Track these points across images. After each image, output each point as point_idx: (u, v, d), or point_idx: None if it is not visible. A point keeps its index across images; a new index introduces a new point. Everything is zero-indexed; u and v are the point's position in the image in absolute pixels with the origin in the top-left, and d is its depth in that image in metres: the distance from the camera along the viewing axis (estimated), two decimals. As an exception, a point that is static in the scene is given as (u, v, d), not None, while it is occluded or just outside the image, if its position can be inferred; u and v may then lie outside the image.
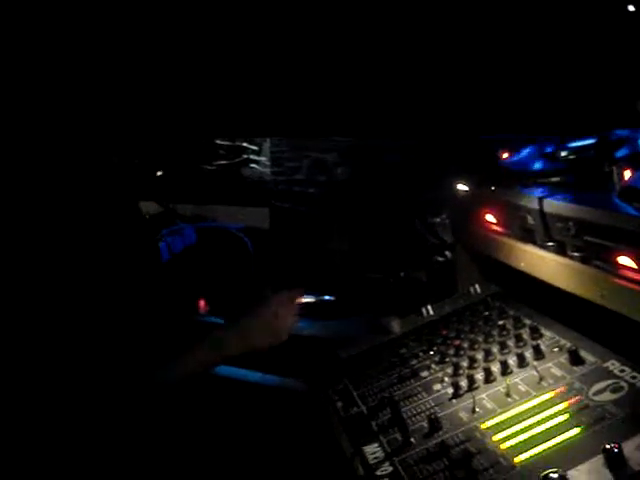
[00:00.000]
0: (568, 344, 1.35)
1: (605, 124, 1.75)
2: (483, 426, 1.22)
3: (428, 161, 2.10)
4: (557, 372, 1.29)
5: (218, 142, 2.71)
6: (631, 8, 2.14)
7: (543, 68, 2.26)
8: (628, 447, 1.01)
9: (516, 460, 1.10)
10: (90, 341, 1.23)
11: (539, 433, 1.14)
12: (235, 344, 1.39)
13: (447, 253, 2.00)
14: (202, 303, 2.31)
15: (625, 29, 2.11)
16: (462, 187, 1.69)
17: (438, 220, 2.02)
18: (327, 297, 2.15)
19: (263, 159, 2.67)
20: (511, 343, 1.45)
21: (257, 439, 1.81)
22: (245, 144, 2.67)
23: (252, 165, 2.68)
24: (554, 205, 1.38)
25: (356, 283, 2.22)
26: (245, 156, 2.69)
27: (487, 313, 1.61)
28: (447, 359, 1.49)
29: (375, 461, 1.24)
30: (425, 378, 1.46)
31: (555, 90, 2.20)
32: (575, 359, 1.30)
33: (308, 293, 2.12)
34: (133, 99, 1.71)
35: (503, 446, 1.14)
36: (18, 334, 1.20)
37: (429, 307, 1.78)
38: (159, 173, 2.72)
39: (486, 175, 1.65)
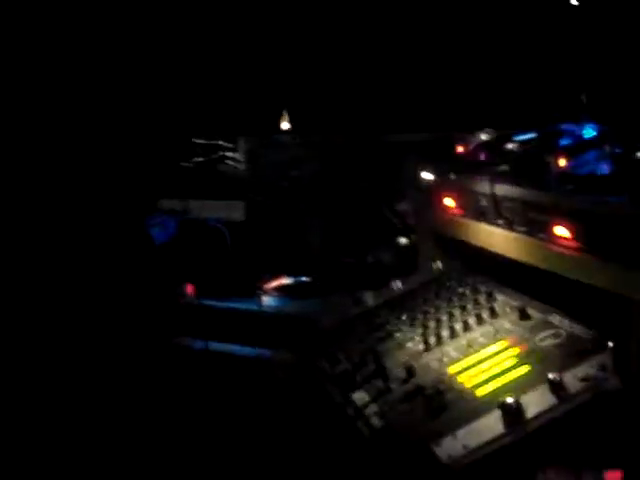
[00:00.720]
0: (517, 304, 1.62)
1: (547, 119, 2.03)
2: (450, 370, 1.48)
3: (391, 154, 2.37)
4: (509, 326, 1.56)
5: (195, 141, 2.91)
6: (574, 2, 2.41)
7: (488, 67, 2.54)
8: (566, 377, 1.28)
9: (478, 393, 1.36)
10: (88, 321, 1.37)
11: (496, 373, 1.40)
12: None
13: (411, 236, 2.27)
14: (190, 288, 2.52)
15: (568, 24, 2.38)
16: (426, 176, 1.96)
17: (402, 207, 2.28)
18: (304, 278, 2.40)
19: (238, 156, 2.89)
20: (470, 306, 1.71)
21: (252, 409, 2.01)
22: (221, 142, 2.88)
23: (227, 161, 2.89)
24: (503, 189, 1.65)
25: (330, 266, 2.46)
26: (221, 153, 2.89)
27: (449, 284, 1.88)
28: (416, 322, 1.75)
29: (362, 404, 1.50)
30: (399, 338, 1.72)
31: (501, 87, 2.48)
32: (523, 315, 1.57)
33: (287, 276, 2.38)
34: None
35: (468, 384, 1.41)
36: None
37: (398, 282, 2.04)
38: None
39: (446, 165, 1.92)
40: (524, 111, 2.20)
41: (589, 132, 1.81)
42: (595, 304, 1.40)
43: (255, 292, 2.30)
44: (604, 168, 1.59)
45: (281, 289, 2.36)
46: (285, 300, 2.29)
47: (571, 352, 1.37)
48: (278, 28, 2.47)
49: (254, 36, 2.45)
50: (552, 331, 1.47)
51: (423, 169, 1.97)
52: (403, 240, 2.40)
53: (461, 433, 1.26)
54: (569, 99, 2.26)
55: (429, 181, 1.97)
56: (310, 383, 1.72)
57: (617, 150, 1.68)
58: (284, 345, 2.06)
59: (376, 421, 1.42)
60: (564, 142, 1.79)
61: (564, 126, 1.87)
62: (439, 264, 2.04)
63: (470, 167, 1.91)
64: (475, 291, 1.77)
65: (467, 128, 2.14)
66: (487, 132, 2.03)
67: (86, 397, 1.31)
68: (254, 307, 2.23)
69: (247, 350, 2.16)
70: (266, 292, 2.33)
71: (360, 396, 1.53)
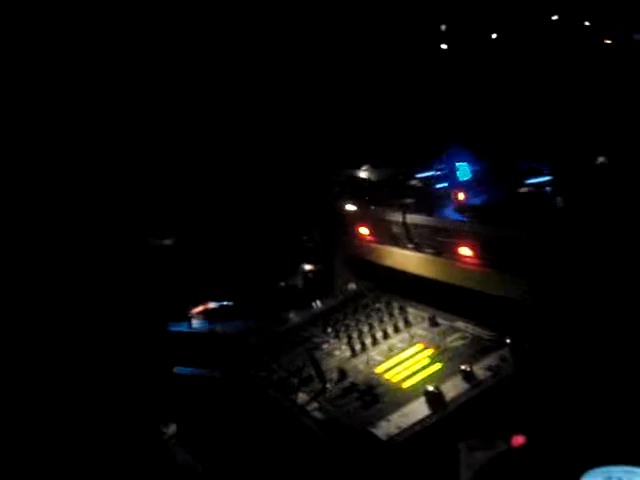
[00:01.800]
0: (427, 314, 1.92)
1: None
2: (377, 370, 1.75)
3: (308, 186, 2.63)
4: (422, 333, 1.86)
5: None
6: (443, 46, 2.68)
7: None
8: (475, 368, 1.58)
9: (404, 385, 1.64)
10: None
11: (417, 369, 1.69)
12: None
13: (320, 261, 2.54)
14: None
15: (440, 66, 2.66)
16: (349, 207, 2.25)
17: (316, 234, 2.56)
18: (227, 303, 2.61)
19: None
20: (386, 318, 1.99)
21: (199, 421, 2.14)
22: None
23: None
24: (413, 218, 1.95)
25: (250, 291, 2.67)
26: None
27: (365, 300, 2.16)
28: (340, 334, 2.01)
29: (304, 402, 1.73)
30: (327, 349, 1.97)
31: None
32: (433, 323, 1.87)
33: (212, 301, 2.58)
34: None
35: (394, 379, 1.68)
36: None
37: (318, 302, 2.30)
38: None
39: (364, 198, 2.22)
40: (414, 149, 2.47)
41: (480, 168, 2.12)
42: (494, 310, 1.71)
43: (184, 316, 2.48)
44: (494, 200, 1.92)
45: (207, 313, 2.55)
46: (212, 323, 2.48)
47: (477, 349, 1.68)
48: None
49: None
50: (459, 334, 1.78)
51: (345, 201, 2.25)
52: (312, 266, 2.65)
53: (394, 417, 1.52)
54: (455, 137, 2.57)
55: (348, 211, 2.26)
56: (252, 391, 1.93)
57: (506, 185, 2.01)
58: (215, 362, 2.24)
59: (319, 415, 1.66)
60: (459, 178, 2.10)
61: (459, 164, 2.16)
62: (353, 285, 2.32)
63: (378, 200, 2.21)
64: (389, 305, 2.06)
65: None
66: (366, 170, 2.32)
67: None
68: (184, 329, 2.42)
69: (181, 369, 2.32)
70: (194, 316, 2.51)
71: (300, 397, 1.77)
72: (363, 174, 2.38)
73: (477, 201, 1.89)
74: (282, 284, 2.71)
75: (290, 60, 2.79)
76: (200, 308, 2.56)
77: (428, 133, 2.64)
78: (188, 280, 2.67)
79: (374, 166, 2.41)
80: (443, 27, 2.74)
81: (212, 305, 2.58)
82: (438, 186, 2.06)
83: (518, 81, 2.37)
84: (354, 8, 2.83)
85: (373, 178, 2.35)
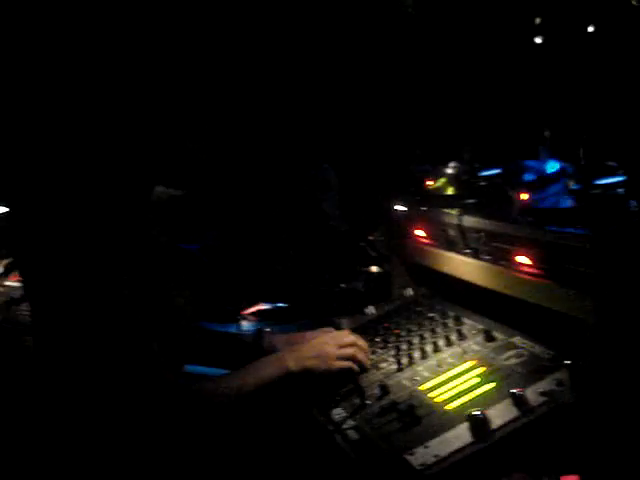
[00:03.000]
0: (483, 327, 1.75)
1: (511, 155, 2.17)
2: (421, 388, 1.60)
3: (367, 188, 2.50)
4: (475, 347, 1.69)
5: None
6: (538, 40, 2.55)
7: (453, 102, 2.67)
8: (528, 392, 1.40)
9: (448, 407, 1.48)
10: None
11: (464, 389, 1.52)
12: (289, 357, 1.62)
13: (384, 264, 2.40)
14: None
15: (531, 60, 2.52)
16: (399, 207, 2.10)
17: (376, 237, 2.42)
18: (281, 304, 2.51)
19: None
20: (439, 330, 1.83)
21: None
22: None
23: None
24: (469, 220, 1.78)
25: (306, 293, 2.57)
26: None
27: (419, 309, 2.00)
28: (389, 344, 1.87)
29: (340, 419, 1.60)
30: (373, 360, 1.83)
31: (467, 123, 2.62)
32: (489, 337, 1.70)
33: (265, 302, 2.48)
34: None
35: (437, 399, 1.52)
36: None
37: (371, 307, 2.16)
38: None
39: (417, 198, 2.06)
40: (489, 147, 2.34)
41: (552, 167, 1.95)
42: (554, 326, 1.53)
43: (234, 318, 2.40)
44: (564, 202, 1.74)
45: (259, 314, 2.46)
46: (263, 325, 2.38)
47: (532, 370, 1.50)
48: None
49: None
50: (515, 351, 1.60)
51: (396, 201, 2.10)
52: (375, 268, 2.52)
53: (432, 443, 1.37)
54: (530, 136, 2.41)
55: (401, 212, 2.10)
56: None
57: (575, 186, 1.83)
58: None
59: (354, 435, 1.52)
60: (527, 177, 1.94)
61: (527, 162, 2.01)
62: (410, 291, 2.17)
63: (439, 200, 2.05)
64: (444, 315, 1.89)
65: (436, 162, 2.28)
66: (453, 166, 2.17)
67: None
68: (233, 330, 2.33)
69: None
70: (244, 317, 2.43)
71: (338, 412, 1.64)
72: (450, 170, 2.21)
73: (541, 203, 1.71)
74: (342, 286, 2.60)
75: (342, 54, 2.66)
76: (252, 309, 2.47)
77: (499, 128, 2.48)
78: (242, 281, 2.60)
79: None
80: (537, 20, 2.59)
81: (264, 307, 2.49)
82: (502, 185, 1.89)
83: (608, 76, 2.20)
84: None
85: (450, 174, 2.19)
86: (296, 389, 1.64)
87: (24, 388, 1.98)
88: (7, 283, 2.77)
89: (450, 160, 2.21)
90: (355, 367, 1.69)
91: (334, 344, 1.71)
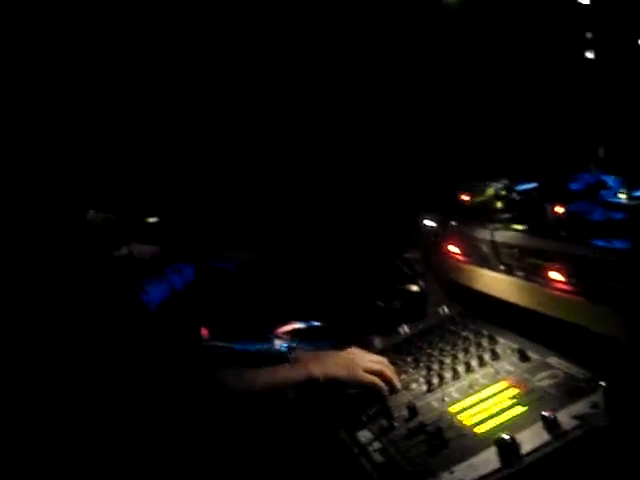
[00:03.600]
0: (517, 346, 1.68)
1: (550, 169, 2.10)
2: (451, 409, 1.54)
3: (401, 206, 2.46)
4: (509, 368, 1.62)
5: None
6: (590, 55, 2.49)
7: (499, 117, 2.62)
8: (560, 415, 1.33)
9: (477, 430, 1.41)
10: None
11: (495, 412, 1.46)
12: (313, 365, 1.62)
13: (419, 282, 2.34)
14: (204, 331, 2.58)
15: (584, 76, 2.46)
16: (429, 223, 2.04)
17: (411, 255, 2.36)
18: (315, 323, 2.47)
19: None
20: (472, 349, 1.77)
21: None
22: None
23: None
24: (502, 235, 1.72)
25: (341, 311, 2.52)
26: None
27: (453, 328, 1.94)
28: (421, 364, 1.81)
29: (366, 441, 1.55)
30: (403, 380, 1.78)
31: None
32: (523, 357, 1.63)
33: (299, 320, 2.44)
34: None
35: (467, 422, 1.46)
36: None
37: (405, 326, 2.11)
38: (152, 220, 3.00)
39: (449, 212, 2.01)
40: (527, 162, 2.28)
41: (590, 180, 1.88)
42: (591, 345, 1.46)
43: (267, 336, 2.36)
44: (599, 216, 1.66)
45: (293, 333, 2.42)
46: (295, 343, 2.35)
47: (566, 392, 1.42)
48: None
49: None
50: (550, 372, 1.53)
51: (426, 217, 2.05)
52: (414, 287, 2.46)
53: (458, 468, 1.31)
54: (573, 151, 2.34)
55: (432, 228, 2.05)
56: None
57: (616, 199, 1.76)
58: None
59: (379, 457, 1.47)
60: (565, 190, 1.87)
61: (572, 176, 1.94)
62: (445, 309, 2.10)
63: (474, 214, 1.99)
64: (478, 334, 1.83)
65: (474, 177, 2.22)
66: (493, 182, 2.11)
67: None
68: (264, 348, 2.29)
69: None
70: (278, 336, 2.39)
71: (364, 434, 1.59)
72: (489, 185, 2.15)
73: (578, 217, 1.64)
74: (379, 305, 2.55)
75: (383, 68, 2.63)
76: (286, 328, 2.43)
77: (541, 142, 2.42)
78: (276, 299, 2.56)
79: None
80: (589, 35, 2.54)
81: (299, 325, 2.45)
82: (537, 200, 1.82)
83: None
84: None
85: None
86: (322, 403, 1.61)
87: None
88: None
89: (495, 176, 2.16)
90: (382, 384, 1.65)
91: (362, 358, 1.68)
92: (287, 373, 1.58)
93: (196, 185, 2.65)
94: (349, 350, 1.82)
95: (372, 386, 1.66)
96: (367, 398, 1.70)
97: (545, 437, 1.30)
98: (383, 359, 1.72)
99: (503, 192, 2.02)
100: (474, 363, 1.69)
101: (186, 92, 2.47)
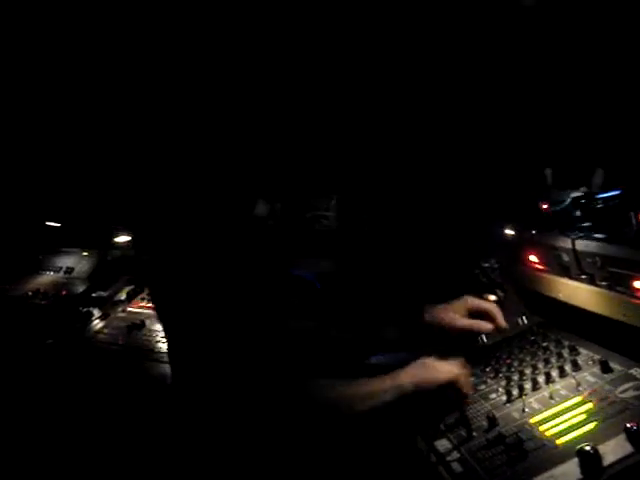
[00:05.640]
0: (599, 357, 1.65)
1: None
2: (532, 420, 1.52)
3: (479, 214, 2.43)
4: (591, 379, 1.59)
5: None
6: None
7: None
8: (645, 427, 1.30)
9: (558, 442, 1.39)
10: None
11: (576, 423, 1.44)
12: (404, 376, 1.62)
13: (498, 292, 2.31)
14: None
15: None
16: (509, 231, 2.02)
17: (490, 264, 2.34)
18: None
19: (331, 214, 3.00)
20: (553, 360, 1.74)
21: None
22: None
23: (322, 220, 3.01)
24: (583, 244, 1.69)
25: (419, 322, 2.51)
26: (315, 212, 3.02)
27: (533, 338, 1.91)
28: (500, 375, 1.80)
29: (445, 451, 1.55)
30: (483, 390, 1.76)
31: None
32: (605, 368, 1.59)
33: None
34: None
35: (548, 433, 1.44)
36: None
37: (483, 336, 2.09)
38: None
39: (528, 221, 1.98)
40: (610, 169, 2.22)
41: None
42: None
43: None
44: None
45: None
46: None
47: (651, 404, 1.39)
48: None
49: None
50: (633, 383, 1.50)
51: (506, 226, 2.03)
52: (492, 297, 2.43)
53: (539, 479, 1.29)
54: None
55: (512, 237, 2.03)
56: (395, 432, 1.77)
57: None
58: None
59: (457, 467, 1.47)
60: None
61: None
62: (524, 319, 2.08)
63: (554, 223, 1.96)
64: (558, 345, 1.80)
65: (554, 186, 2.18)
66: (573, 190, 2.07)
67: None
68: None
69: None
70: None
71: (442, 443, 1.58)
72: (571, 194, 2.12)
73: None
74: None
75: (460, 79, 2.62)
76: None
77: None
78: (356, 309, 2.57)
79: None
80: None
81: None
82: (621, 207, 1.78)
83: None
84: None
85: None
86: (403, 413, 1.62)
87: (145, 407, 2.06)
88: (129, 309, 2.90)
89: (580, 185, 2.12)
90: (461, 384, 1.64)
91: (441, 365, 1.68)
92: (381, 385, 1.59)
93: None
94: (427, 359, 1.81)
95: (455, 381, 1.64)
96: (446, 407, 1.69)
97: (628, 449, 1.29)
98: (459, 363, 1.71)
99: (583, 200, 1.98)
100: (554, 374, 1.67)
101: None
